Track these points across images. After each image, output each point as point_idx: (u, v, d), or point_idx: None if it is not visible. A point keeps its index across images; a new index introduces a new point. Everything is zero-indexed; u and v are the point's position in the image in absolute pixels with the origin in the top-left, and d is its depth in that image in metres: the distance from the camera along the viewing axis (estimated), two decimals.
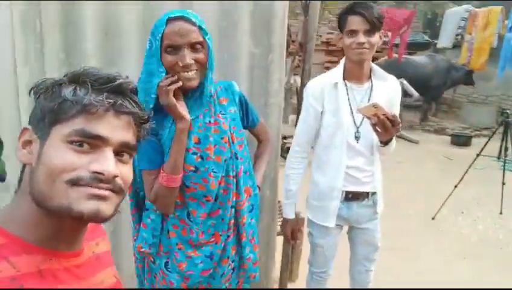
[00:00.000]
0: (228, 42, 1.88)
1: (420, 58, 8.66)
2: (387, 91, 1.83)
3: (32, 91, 0.67)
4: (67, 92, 0.64)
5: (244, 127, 1.56)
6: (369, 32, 1.67)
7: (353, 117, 1.78)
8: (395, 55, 7.74)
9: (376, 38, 1.70)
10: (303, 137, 1.85)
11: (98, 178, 0.61)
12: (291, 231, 1.94)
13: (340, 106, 1.78)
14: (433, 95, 8.69)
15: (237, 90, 1.50)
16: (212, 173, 1.37)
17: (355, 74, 1.79)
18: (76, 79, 0.65)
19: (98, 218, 0.62)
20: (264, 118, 1.85)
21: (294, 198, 1.90)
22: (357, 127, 1.80)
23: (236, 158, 1.44)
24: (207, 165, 1.36)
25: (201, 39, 1.26)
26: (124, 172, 0.66)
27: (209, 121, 1.37)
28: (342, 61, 1.84)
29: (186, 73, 1.25)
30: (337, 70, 1.83)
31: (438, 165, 6.18)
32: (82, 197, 0.60)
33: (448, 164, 6.21)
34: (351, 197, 1.85)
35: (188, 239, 1.43)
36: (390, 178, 3.23)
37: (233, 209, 1.46)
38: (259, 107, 1.82)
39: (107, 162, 0.62)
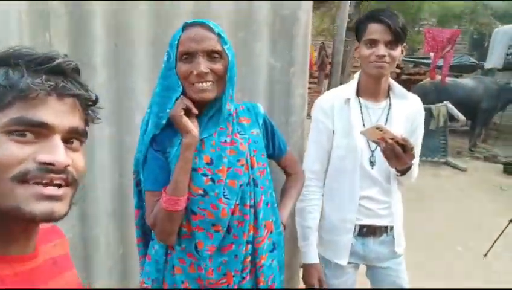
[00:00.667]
0: (246, 54, 1.72)
1: (467, 80, 8.16)
2: (407, 111, 1.59)
3: None
4: (1, 77, 0.57)
5: (269, 157, 1.38)
6: (391, 44, 1.45)
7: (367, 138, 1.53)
8: (438, 77, 7.32)
9: (398, 52, 1.48)
10: (316, 162, 1.61)
11: (48, 169, 0.56)
12: (318, 278, 1.59)
13: (353, 126, 1.54)
14: (483, 119, 8.11)
15: (262, 113, 1.35)
16: (223, 198, 1.20)
17: (371, 89, 1.56)
18: (8, 61, 0.58)
19: (52, 219, 0.58)
20: (284, 137, 1.66)
21: (314, 236, 1.62)
22: (372, 151, 1.55)
23: (256, 185, 1.26)
24: (218, 189, 1.19)
25: (219, 48, 1.15)
26: (76, 160, 0.61)
27: (225, 141, 1.22)
28: (357, 75, 1.62)
29: (200, 84, 1.13)
30: (351, 85, 1.61)
31: (489, 195, 5.62)
32: (32, 197, 0.55)
33: (500, 195, 5.65)
34: (366, 231, 1.59)
35: (196, 277, 1.23)
36: (434, 208, 2.87)
37: (249, 246, 1.25)
38: (279, 125, 1.64)
39: (56, 151, 0.57)
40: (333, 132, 1.57)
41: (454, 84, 7.56)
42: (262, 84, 1.78)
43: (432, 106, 7.62)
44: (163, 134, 1.22)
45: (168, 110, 1.18)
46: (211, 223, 1.20)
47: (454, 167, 6.91)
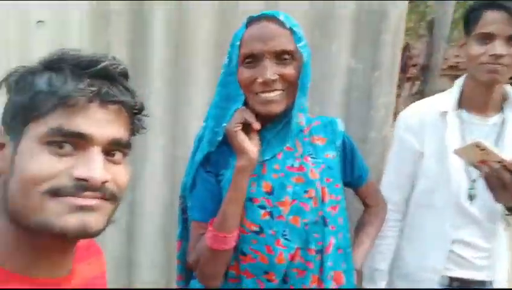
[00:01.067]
0: (320, 56, 1.45)
1: None
2: None
3: (2, 83, 0.55)
4: (41, 81, 0.53)
5: (346, 184, 1.11)
6: None
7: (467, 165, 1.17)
8: None
9: None
10: (396, 190, 1.29)
11: (83, 186, 0.51)
12: None
13: (448, 147, 1.19)
14: None
15: (341, 130, 1.09)
16: (281, 239, 0.96)
17: (478, 100, 1.22)
18: (53, 65, 0.54)
19: (85, 234, 0.53)
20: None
21: (384, 280, 1.32)
22: (472, 181, 1.19)
23: (325, 224, 1.00)
24: (276, 227, 0.96)
25: (291, 47, 0.93)
26: (117, 174, 0.56)
27: (292, 165, 0.99)
28: (459, 81, 1.27)
29: (266, 94, 0.93)
30: (450, 94, 1.26)
31: None
32: (64, 210, 0.51)
33: None
34: (457, 286, 1.23)
35: None
36: None
37: None
38: (356, 142, 1.34)
39: (93, 166, 0.52)
40: (421, 154, 1.25)
41: None
42: (336, 92, 1.49)
43: None
44: (218, 153, 1.01)
45: (224, 125, 0.97)
46: (263, 270, 0.97)
47: None
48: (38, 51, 1.50)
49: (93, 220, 0.53)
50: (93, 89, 0.53)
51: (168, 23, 1.51)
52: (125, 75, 0.58)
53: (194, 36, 1.51)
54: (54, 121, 0.52)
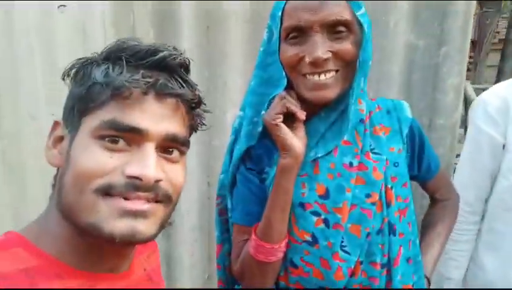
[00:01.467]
0: (375, 31, 1.23)
1: None
2: None
3: (64, 76, 0.53)
4: (98, 73, 0.50)
5: (412, 177, 0.92)
6: None
7: None
8: None
9: None
10: (472, 188, 1.08)
11: (135, 185, 0.48)
12: None
13: None
14: None
15: (408, 117, 0.89)
16: (340, 252, 0.80)
17: None
18: (111, 55, 0.52)
19: (134, 240, 0.49)
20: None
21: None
22: None
23: (392, 233, 0.83)
24: (333, 237, 0.80)
25: (347, 17, 0.74)
26: (173, 174, 0.52)
27: (350, 163, 0.81)
28: None
29: (316, 76, 0.75)
30: None
31: None
32: (113, 214, 0.47)
33: None
34: None
35: None
36: None
37: None
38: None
39: (145, 163, 0.48)
40: (503, 146, 1.03)
41: None
42: (395, 72, 1.27)
43: None
44: (261, 146, 0.85)
45: (263, 112, 0.80)
46: (317, 286, 0.82)
47: None
48: (60, 37, 1.42)
49: (143, 227, 0.49)
50: (148, 80, 0.50)
51: (197, 1, 1.35)
52: (185, 66, 0.55)
53: (226, 13, 1.34)
54: (107, 113, 0.49)
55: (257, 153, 0.86)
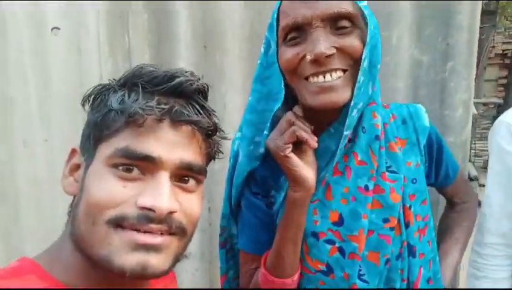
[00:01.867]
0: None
1: None
2: None
3: (83, 102, 0.53)
4: (114, 99, 0.50)
5: (430, 184, 0.86)
6: None
7: None
8: None
9: None
10: (505, 219, 0.97)
11: (148, 217, 0.46)
12: None
13: None
14: None
15: (426, 125, 0.81)
16: (358, 282, 0.74)
17: None
18: (128, 82, 0.51)
19: (145, 275, 0.47)
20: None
21: None
22: None
23: (412, 255, 0.76)
24: (350, 268, 0.74)
25: (350, 9, 0.66)
26: (188, 204, 0.50)
27: (366, 187, 0.74)
28: None
29: (321, 77, 0.66)
30: None
31: None
32: (125, 247, 0.46)
33: None
34: None
35: None
36: None
37: None
38: None
39: (159, 193, 0.47)
40: None
41: None
42: (401, 88, 1.23)
43: None
44: (265, 168, 0.79)
45: (266, 133, 0.73)
46: None
47: None
48: (55, 59, 1.39)
49: (155, 261, 0.47)
50: (163, 107, 0.49)
51: (194, 20, 1.32)
52: (202, 92, 0.54)
53: (223, 32, 1.31)
54: (121, 141, 0.48)
55: (261, 175, 0.79)
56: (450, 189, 0.92)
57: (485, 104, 7.14)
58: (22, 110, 1.36)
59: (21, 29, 1.32)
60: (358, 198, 0.74)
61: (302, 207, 0.72)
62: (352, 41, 0.66)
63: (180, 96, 0.52)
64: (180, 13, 1.31)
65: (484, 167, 5.55)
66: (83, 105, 0.54)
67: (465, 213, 0.94)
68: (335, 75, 0.66)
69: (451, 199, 0.95)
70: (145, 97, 0.49)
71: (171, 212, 0.48)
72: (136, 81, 0.51)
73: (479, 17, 1.21)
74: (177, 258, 0.51)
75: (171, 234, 0.49)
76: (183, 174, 0.51)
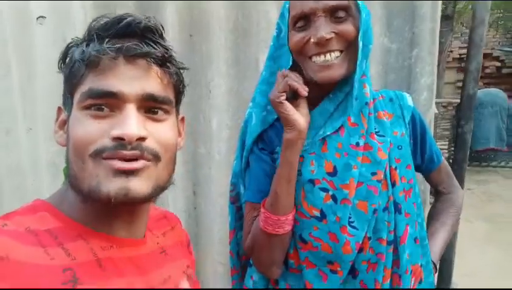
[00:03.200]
0: None
1: None
2: None
3: (59, 64, 0.58)
4: (77, 52, 0.54)
5: (417, 169, 0.97)
6: None
7: None
8: None
9: None
10: None
11: (121, 145, 0.51)
12: None
13: None
14: None
15: (410, 105, 0.95)
16: (348, 227, 0.84)
17: None
18: (87, 35, 0.56)
19: (129, 199, 0.51)
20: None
21: None
22: None
23: (398, 211, 0.86)
24: (341, 212, 0.83)
25: (345, 3, 0.81)
26: (158, 132, 0.55)
27: (356, 143, 0.86)
28: None
29: (322, 56, 0.80)
30: None
31: None
32: (108, 175, 0.51)
33: None
34: None
35: None
36: None
37: None
38: None
39: (126, 123, 0.51)
40: None
41: None
42: (373, 74, 1.34)
43: None
44: (272, 130, 0.91)
45: None
46: (326, 259, 0.85)
47: None
48: (39, 49, 1.40)
49: (137, 185, 0.52)
50: (115, 46, 0.52)
51: (180, 13, 1.38)
52: (151, 30, 0.56)
53: (209, 22, 1.38)
54: (85, 85, 0.53)
55: (269, 134, 0.91)
56: (436, 175, 1.02)
57: (444, 106, 7.57)
58: (4, 100, 1.36)
59: (4, 21, 1.33)
60: (350, 153, 0.85)
61: (294, 147, 0.82)
62: (347, 27, 0.80)
63: (133, 36, 0.55)
64: (167, 6, 1.37)
65: None
66: (59, 67, 0.58)
67: (450, 203, 1.03)
68: (334, 55, 0.80)
69: (437, 187, 1.04)
70: (101, 42, 0.53)
71: (141, 139, 0.52)
72: (92, 33, 0.55)
73: (440, 8, 1.35)
74: (160, 184, 0.55)
75: (146, 160, 0.53)
76: (151, 106, 0.55)
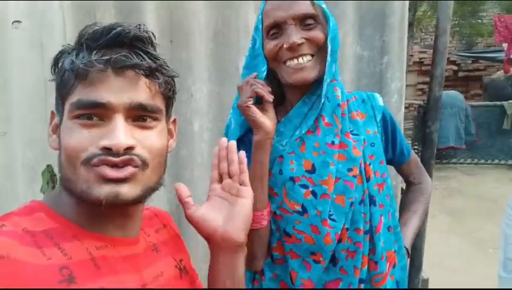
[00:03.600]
0: None
1: None
2: None
3: (52, 69, 0.60)
4: (67, 62, 0.56)
5: (389, 162, 1.05)
6: None
7: None
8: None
9: None
10: None
11: (110, 154, 0.53)
12: None
13: None
14: None
15: (381, 105, 1.02)
16: (328, 220, 0.90)
17: None
18: (77, 43, 0.57)
19: (118, 201, 0.54)
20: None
21: None
22: None
23: (373, 203, 0.94)
24: (321, 206, 0.89)
25: (314, 11, 0.88)
26: (146, 139, 0.56)
27: (332, 142, 0.92)
28: None
29: (295, 60, 0.87)
30: None
31: None
32: (97, 180, 0.53)
33: None
34: None
35: None
36: None
37: (365, 286, 0.94)
38: None
39: (114, 134, 0.53)
40: None
41: None
42: (347, 80, 1.43)
43: (505, 103, 6.87)
44: (252, 133, 0.95)
45: None
46: (309, 251, 0.91)
47: None
48: (15, 53, 1.37)
49: (125, 190, 0.54)
50: (104, 58, 0.53)
51: (160, 17, 1.40)
52: (141, 39, 0.57)
53: (189, 29, 1.41)
54: (75, 96, 0.54)
55: (249, 138, 0.95)
56: (406, 167, 1.11)
57: (406, 107, 7.95)
58: None
59: None
60: (327, 151, 0.92)
61: (263, 148, 0.88)
62: (316, 34, 0.87)
63: (122, 46, 0.55)
64: (147, 8, 1.38)
65: None
66: (52, 73, 0.59)
67: (420, 192, 1.12)
68: (305, 58, 0.87)
69: (407, 178, 1.13)
70: (89, 53, 0.54)
71: (129, 148, 0.54)
72: (82, 42, 0.55)
73: (407, 18, 1.45)
74: (149, 187, 0.57)
75: (134, 166, 0.55)
76: (139, 114, 0.56)
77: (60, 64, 0.58)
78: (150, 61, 0.56)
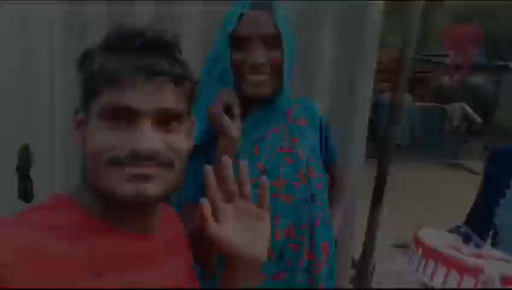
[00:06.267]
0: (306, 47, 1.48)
1: (482, 79, 7.97)
2: None
3: (77, 67, 0.61)
4: (96, 63, 0.58)
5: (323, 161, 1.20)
6: None
7: None
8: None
9: None
10: None
11: (136, 157, 0.55)
12: None
13: None
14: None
15: (317, 112, 1.17)
16: (279, 218, 1.01)
17: None
18: (106, 43, 0.58)
19: (142, 200, 0.56)
20: (347, 143, 1.49)
21: None
22: None
23: (313, 201, 1.07)
24: (273, 205, 0.97)
25: (275, 33, 0.97)
26: (172, 142, 0.59)
27: (282, 147, 1.05)
28: None
29: (255, 76, 0.97)
30: None
31: None
32: (122, 178, 0.56)
33: None
34: None
35: None
36: (447, 215, 2.65)
37: (305, 275, 1.07)
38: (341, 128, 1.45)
39: (142, 138, 0.56)
40: None
41: (472, 84, 7.37)
42: (320, 85, 1.54)
43: (446, 106, 7.43)
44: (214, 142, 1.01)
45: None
46: None
47: (470, 170, 6.73)
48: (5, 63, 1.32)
49: (149, 187, 0.56)
50: (135, 64, 0.56)
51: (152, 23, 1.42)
52: (170, 45, 0.60)
53: (180, 32, 1.44)
54: (104, 99, 0.56)
55: (214, 153, 1.01)
56: (332, 168, 1.26)
57: None
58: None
59: None
60: (277, 154, 1.04)
61: (229, 153, 0.91)
62: (276, 54, 0.97)
63: (152, 51, 0.58)
64: (140, 17, 1.41)
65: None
66: (79, 69, 0.60)
67: (341, 188, 1.30)
68: (264, 76, 0.97)
69: (332, 176, 1.28)
70: (119, 57, 0.56)
71: (156, 152, 0.56)
72: (112, 42, 0.57)
73: (377, 30, 1.58)
74: (169, 187, 0.59)
75: (160, 167, 0.57)
76: (165, 119, 0.59)
77: (86, 65, 0.59)
78: (179, 67, 0.60)
